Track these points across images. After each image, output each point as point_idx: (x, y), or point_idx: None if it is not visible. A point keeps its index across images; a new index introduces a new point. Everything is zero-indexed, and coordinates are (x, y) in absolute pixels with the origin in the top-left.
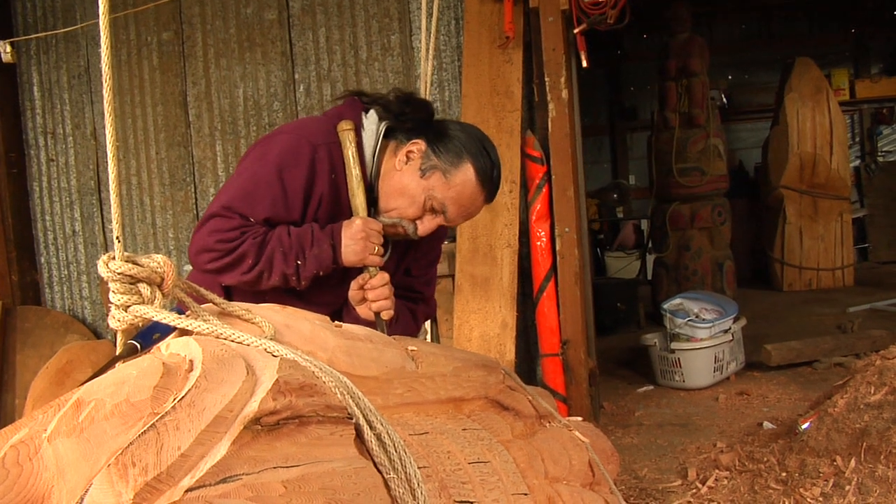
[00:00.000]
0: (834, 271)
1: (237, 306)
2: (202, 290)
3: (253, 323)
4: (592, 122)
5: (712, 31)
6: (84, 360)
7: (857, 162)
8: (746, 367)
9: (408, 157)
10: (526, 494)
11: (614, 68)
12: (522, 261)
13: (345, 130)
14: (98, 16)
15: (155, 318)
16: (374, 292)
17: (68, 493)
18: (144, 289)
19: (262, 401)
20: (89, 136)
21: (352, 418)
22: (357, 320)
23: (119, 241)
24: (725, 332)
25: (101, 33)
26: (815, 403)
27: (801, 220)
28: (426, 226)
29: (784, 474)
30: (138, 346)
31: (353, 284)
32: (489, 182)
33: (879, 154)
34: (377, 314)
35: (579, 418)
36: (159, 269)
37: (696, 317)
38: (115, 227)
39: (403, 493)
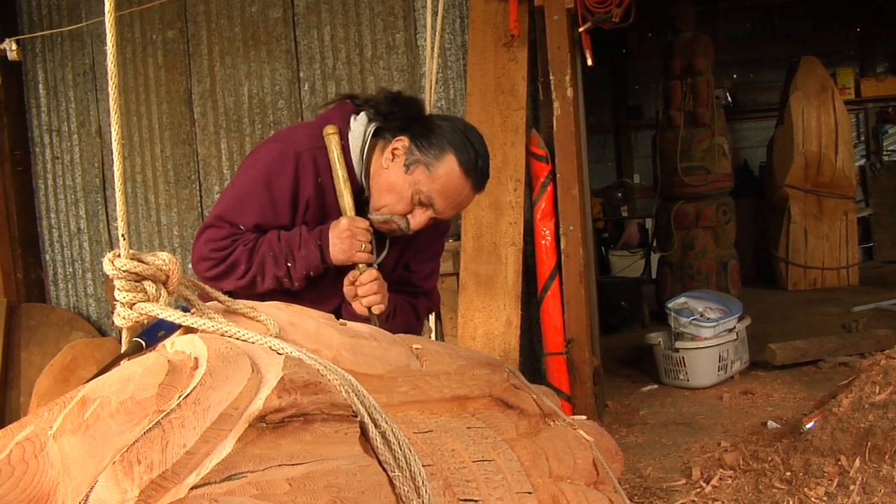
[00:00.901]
0: (839, 270)
1: (242, 304)
2: (207, 287)
3: (258, 321)
4: (597, 120)
5: (717, 30)
6: (89, 358)
7: (863, 161)
8: (751, 367)
9: (393, 155)
10: (530, 493)
11: (619, 67)
12: (527, 259)
13: (329, 135)
14: (103, 14)
15: (160, 316)
16: (364, 288)
17: (73, 490)
18: (149, 286)
19: (267, 398)
20: (94, 134)
21: (357, 416)
22: (354, 316)
23: (124, 239)
24: (730, 331)
25: (107, 31)
26: (820, 403)
27: (805, 220)
28: (417, 220)
29: (788, 474)
30: (143, 343)
31: (346, 281)
32: (474, 172)
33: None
34: (369, 309)
35: (583, 417)
36: (164, 267)
37: (701, 316)
38: (120, 225)
39: (408, 491)
